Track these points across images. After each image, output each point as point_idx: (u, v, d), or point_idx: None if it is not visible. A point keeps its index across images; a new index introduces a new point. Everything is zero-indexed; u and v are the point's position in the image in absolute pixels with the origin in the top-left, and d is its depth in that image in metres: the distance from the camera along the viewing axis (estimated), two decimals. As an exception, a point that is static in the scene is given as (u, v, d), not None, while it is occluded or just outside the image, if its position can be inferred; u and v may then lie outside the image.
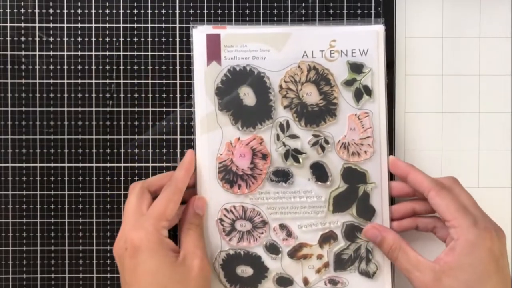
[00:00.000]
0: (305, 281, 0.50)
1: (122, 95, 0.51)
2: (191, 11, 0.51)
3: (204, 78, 0.50)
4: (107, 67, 0.51)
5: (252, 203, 0.50)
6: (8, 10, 0.51)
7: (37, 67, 0.51)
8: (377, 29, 0.49)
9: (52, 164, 0.51)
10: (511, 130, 0.52)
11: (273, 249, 0.50)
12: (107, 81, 0.51)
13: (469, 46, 0.51)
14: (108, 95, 0.51)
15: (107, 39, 0.51)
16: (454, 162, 0.52)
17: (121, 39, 0.51)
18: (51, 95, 0.51)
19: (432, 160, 0.52)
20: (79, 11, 0.51)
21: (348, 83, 0.49)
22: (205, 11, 0.51)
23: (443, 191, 0.45)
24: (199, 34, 0.50)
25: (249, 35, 0.50)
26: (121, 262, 0.44)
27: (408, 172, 0.47)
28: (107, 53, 0.51)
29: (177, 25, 0.50)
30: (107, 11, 0.51)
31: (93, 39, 0.51)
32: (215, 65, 0.50)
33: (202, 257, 0.45)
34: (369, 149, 0.50)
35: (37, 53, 0.51)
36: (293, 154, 0.50)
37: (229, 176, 0.50)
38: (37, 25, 0.50)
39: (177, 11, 0.51)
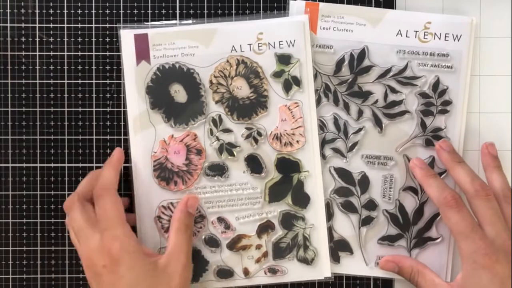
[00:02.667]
0: (245, 272, 0.51)
1: (122, 95, 0.51)
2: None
3: (135, 78, 0.50)
4: (107, 67, 0.51)
5: (189, 198, 0.50)
6: (8, 10, 0.51)
7: (37, 67, 0.51)
8: (303, 20, 0.50)
9: (52, 164, 0.51)
10: (511, 130, 0.52)
11: (212, 242, 0.51)
12: (107, 81, 0.51)
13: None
14: (108, 95, 0.51)
15: (107, 39, 0.51)
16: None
17: (121, 39, 0.51)
18: (51, 95, 0.51)
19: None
20: (79, 11, 0.51)
21: (277, 74, 0.50)
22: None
23: (448, 211, 0.46)
24: (127, 34, 0.50)
25: (176, 33, 0.50)
26: (98, 280, 0.43)
27: (422, 183, 0.49)
28: (107, 53, 0.51)
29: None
30: (107, 11, 0.51)
31: (93, 39, 0.51)
32: (145, 64, 0.50)
33: (185, 264, 0.45)
34: (301, 139, 0.50)
35: (37, 53, 0.51)
36: (227, 148, 0.50)
37: (165, 174, 0.50)
38: (37, 25, 0.50)
39: (177, 12, 0.51)
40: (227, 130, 0.50)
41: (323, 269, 0.51)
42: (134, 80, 0.50)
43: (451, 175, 0.48)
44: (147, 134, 0.50)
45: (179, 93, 0.50)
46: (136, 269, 0.42)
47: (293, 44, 0.50)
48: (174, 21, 0.51)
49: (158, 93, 0.50)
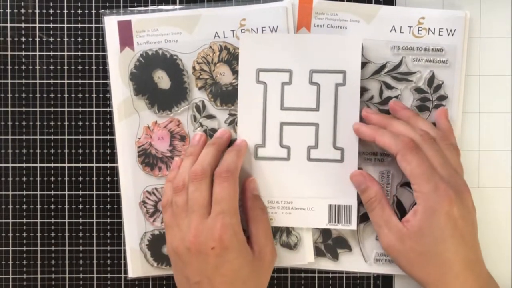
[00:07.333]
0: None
1: None
2: None
3: (118, 65, 0.50)
4: (107, 67, 0.51)
5: (173, 184, 0.51)
6: (8, 10, 0.51)
7: (37, 67, 0.51)
8: (286, 5, 0.50)
9: (52, 164, 0.51)
10: (511, 130, 0.52)
11: (196, 227, 0.51)
12: (107, 81, 0.51)
13: (469, 46, 0.51)
14: (108, 95, 0.51)
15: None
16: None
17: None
18: (51, 95, 0.51)
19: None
20: (79, 11, 0.51)
21: (260, 60, 0.50)
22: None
23: (409, 154, 0.45)
24: (110, 21, 0.50)
25: (159, 19, 0.50)
26: (203, 257, 0.44)
27: (374, 136, 0.47)
28: (107, 53, 0.51)
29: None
30: (107, 11, 0.51)
31: (93, 39, 0.51)
32: (128, 51, 0.50)
33: (272, 249, 0.48)
34: (285, 124, 0.51)
35: (37, 53, 0.51)
36: (211, 134, 0.51)
37: (149, 160, 0.51)
38: (37, 25, 0.51)
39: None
40: (211, 116, 0.51)
41: (306, 255, 0.51)
42: (118, 67, 0.50)
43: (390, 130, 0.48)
44: (131, 120, 0.51)
45: (162, 79, 0.51)
46: (241, 257, 0.45)
47: (276, 29, 0.50)
48: (158, 7, 0.51)
49: (141, 79, 0.50)
